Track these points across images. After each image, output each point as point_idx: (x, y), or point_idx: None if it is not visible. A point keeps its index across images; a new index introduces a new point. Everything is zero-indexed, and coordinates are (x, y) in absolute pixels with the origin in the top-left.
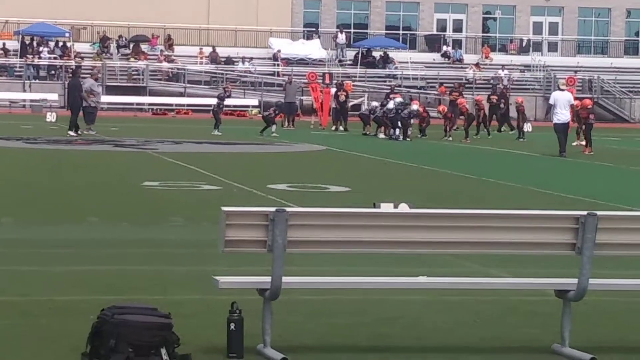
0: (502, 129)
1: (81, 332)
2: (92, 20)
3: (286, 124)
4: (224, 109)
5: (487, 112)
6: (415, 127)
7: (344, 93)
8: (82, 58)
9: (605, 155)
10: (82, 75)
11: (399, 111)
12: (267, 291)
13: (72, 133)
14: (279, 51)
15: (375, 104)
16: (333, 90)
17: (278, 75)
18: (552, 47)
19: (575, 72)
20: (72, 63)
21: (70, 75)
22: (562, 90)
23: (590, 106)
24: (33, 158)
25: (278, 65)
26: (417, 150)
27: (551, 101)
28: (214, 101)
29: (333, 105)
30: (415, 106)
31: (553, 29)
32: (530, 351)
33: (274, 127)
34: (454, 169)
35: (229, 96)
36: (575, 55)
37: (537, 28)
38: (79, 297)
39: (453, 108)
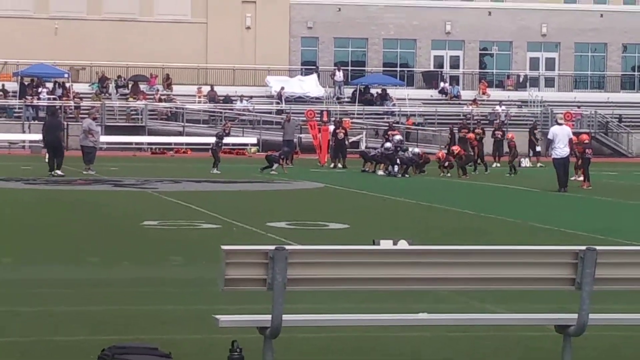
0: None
1: None
2: (91, 60)
3: (285, 161)
4: (223, 147)
5: (492, 147)
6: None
7: (343, 130)
8: (80, 98)
9: (603, 190)
10: (81, 115)
11: (398, 149)
12: (267, 329)
13: (59, 172)
14: (282, 88)
15: (388, 144)
16: (331, 127)
17: (280, 113)
18: (549, 82)
19: (579, 106)
20: (71, 103)
21: (49, 114)
22: (561, 124)
23: (586, 141)
24: (33, 198)
25: (279, 103)
26: (415, 187)
27: (550, 136)
28: (213, 140)
29: (331, 143)
30: (417, 149)
31: (550, 64)
32: None
33: (274, 166)
34: (453, 205)
35: (227, 134)
36: (572, 90)
37: (534, 64)
38: (80, 337)
39: (463, 145)
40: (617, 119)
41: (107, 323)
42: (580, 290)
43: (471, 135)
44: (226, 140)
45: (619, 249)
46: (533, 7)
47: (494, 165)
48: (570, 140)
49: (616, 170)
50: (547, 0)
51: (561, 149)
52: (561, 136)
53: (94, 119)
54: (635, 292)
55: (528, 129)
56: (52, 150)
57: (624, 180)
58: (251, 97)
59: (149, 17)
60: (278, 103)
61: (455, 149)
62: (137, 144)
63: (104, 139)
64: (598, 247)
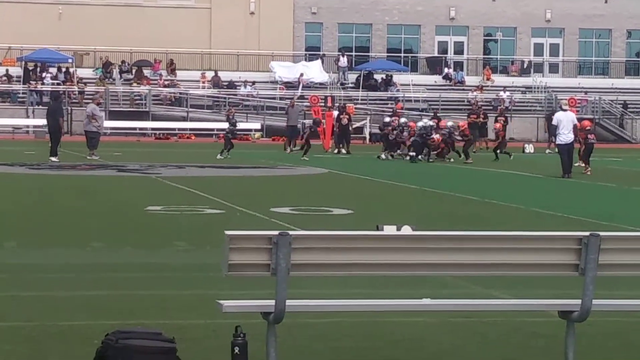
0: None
1: (85, 358)
2: (95, 45)
3: (289, 147)
4: (236, 133)
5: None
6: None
7: (347, 116)
8: (84, 84)
9: (607, 176)
10: (85, 100)
11: (424, 135)
12: (271, 315)
13: (54, 159)
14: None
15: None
16: (335, 113)
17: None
18: (553, 68)
19: (586, 92)
20: (75, 89)
21: (52, 99)
22: (565, 110)
23: (588, 127)
24: (36, 183)
25: (289, 89)
26: (419, 173)
27: (554, 122)
28: (216, 125)
29: (335, 129)
30: (427, 121)
31: (554, 50)
32: None
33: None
34: (456, 190)
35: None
36: (576, 76)
37: (538, 49)
38: (83, 322)
39: (472, 130)
40: (622, 105)
41: (111, 308)
42: (583, 276)
43: (462, 123)
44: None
45: (622, 235)
46: None
47: (498, 151)
48: (575, 126)
49: (620, 156)
50: None
51: (565, 135)
52: (565, 122)
53: (98, 104)
54: (639, 278)
55: (544, 116)
56: (51, 135)
57: (627, 167)
58: (254, 82)
59: (153, 2)
60: (281, 88)
61: (462, 125)
62: (140, 129)
63: (108, 124)
64: (602, 233)
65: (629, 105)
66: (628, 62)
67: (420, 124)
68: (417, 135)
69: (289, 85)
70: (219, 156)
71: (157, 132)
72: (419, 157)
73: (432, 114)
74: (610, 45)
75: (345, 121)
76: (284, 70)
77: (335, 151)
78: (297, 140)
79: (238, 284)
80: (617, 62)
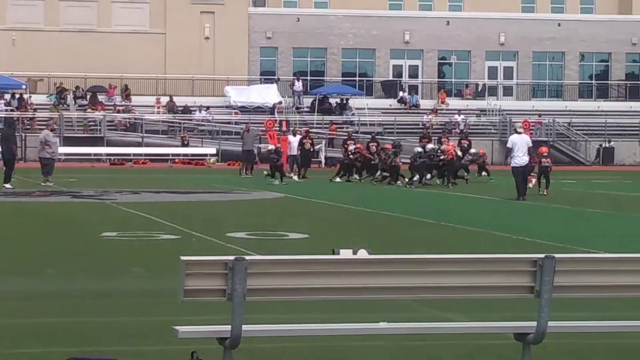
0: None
1: None
2: (49, 71)
3: (244, 172)
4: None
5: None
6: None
7: (310, 141)
8: (34, 110)
9: (562, 198)
10: (37, 127)
11: (432, 157)
12: (227, 340)
13: (8, 186)
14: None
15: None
16: (290, 137)
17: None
18: (508, 91)
19: (540, 115)
20: (29, 115)
21: (6, 126)
22: (520, 133)
23: (545, 153)
24: None
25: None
26: (375, 196)
27: (509, 144)
28: (171, 150)
29: (293, 153)
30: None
31: (508, 73)
32: None
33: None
34: (412, 214)
35: (186, 145)
36: (530, 99)
37: (492, 73)
38: (39, 350)
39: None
40: (568, 126)
41: (66, 335)
42: (539, 298)
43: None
44: (185, 150)
45: (577, 257)
46: (491, 17)
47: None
48: (530, 149)
49: (574, 178)
50: (505, 9)
51: (520, 158)
52: (520, 145)
53: (52, 130)
54: (594, 300)
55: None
56: (4, 162)
57: (582, 188)
58: (208, 107)
59: (107, 28)
60: (236, 113)
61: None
62: (95, 155)
63: (62, 150)
64: (556, 255)
65: (583, 127)
66: (581, 85)
67: (429, 146)
68: (423, 157)
69: (244, 110)
70: (277, 182)
71: (112, 157)
72: (418, 179)
73: (370, 137)
74: (564, 68)
75: (308, 146)
76: (238, 94)
77: (292, 175)
78: (254, 166)
79: (194, 309)
80: (570, 84)
